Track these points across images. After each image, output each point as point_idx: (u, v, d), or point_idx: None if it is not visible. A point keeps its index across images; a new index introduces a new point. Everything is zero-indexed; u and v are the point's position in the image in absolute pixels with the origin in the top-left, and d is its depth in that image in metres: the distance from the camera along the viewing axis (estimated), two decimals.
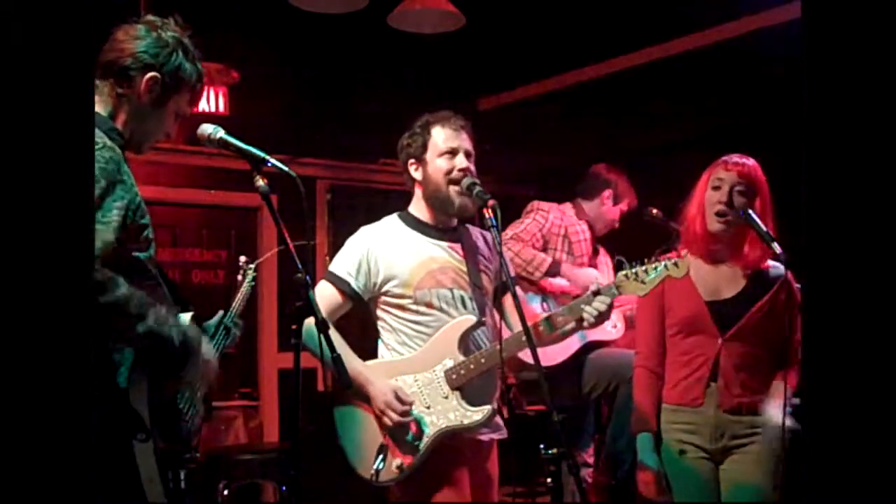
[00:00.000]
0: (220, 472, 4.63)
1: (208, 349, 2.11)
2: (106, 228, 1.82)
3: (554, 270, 3.99)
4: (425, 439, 2.60)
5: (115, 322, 1.84)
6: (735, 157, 2.78)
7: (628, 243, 2.68)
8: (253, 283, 2.64)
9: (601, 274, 4.16)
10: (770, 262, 2.81)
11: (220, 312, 2.42)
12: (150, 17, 2.09)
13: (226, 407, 5.81)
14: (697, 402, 2.71)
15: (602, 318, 2.61)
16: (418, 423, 2.61)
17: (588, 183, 4.32)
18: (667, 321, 2.81)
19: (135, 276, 1.92)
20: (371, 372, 2.66)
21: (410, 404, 2.60)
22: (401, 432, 2.61)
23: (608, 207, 4.26)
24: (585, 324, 2.62)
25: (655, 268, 2.58)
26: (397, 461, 2.60)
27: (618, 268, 2.65)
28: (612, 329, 4.02)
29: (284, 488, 4.74)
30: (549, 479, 3.97)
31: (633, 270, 2.59)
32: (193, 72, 2.10)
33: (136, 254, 1.96)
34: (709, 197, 2.76)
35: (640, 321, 2.92)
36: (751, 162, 2.78)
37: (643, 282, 2.58)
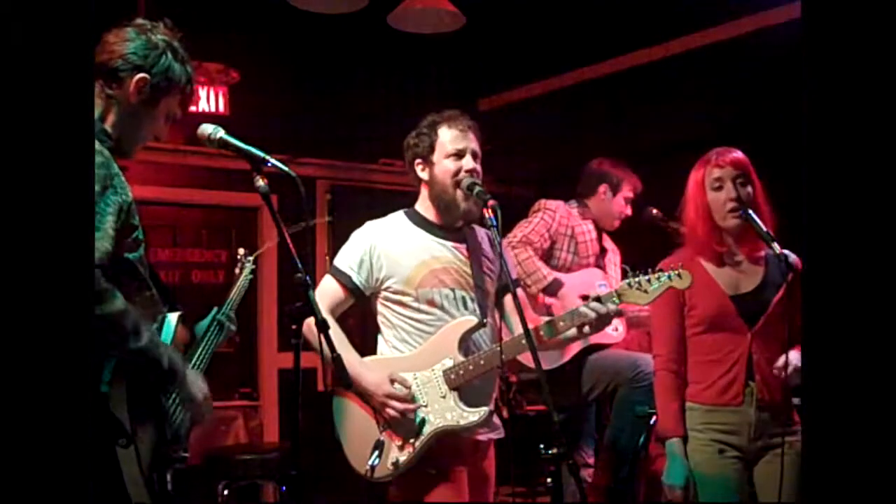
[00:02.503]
0: (220, 472, 4.63)
1: (194, 376, 2.13)
2: (103, 236, 1.83)
3: (552, 289, 3.96)
4: (422, 437, 2.60)
5: (107, 335, 1.85)
6: (722, 152, 2.76)
7: (633, 243, 2.66)
8: (251, 276, 2.64)
9: (607, 274, 4.14)
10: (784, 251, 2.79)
11: (214, 309, 2.43)
12: (139, 20, 2.10)
13: (226, 407, 5.81)
14: (737, 401, 2.66)
15: (602, 320, 2.59)
16: (418, 417, 2.60)
17: (583, 181, 4.30)
18: (688, 320, 2.75)
19: (123, 277, 1.92)
20: (365, 367, 2.66)
21: (409, 388, 2.60)
22: (397, 428, 2.61)
23: (608, 201, 4.21)
24: (585, 329, 2.61)
25: (658, 278, 2.57)
26: (393, 457, 2.60)
27: (623, 276, 2.64)
28: (613, 332, 4.01)
29: (284, 488, 4.74)
30: (549, 479, 3.96)
31: (637, 280, 2.58)
32: (183, 73, 2.11)
33: (126, 255, 1.96)
34: (714, 199, 2.72)
35: (658, 322, 2.85)
36: (738, 152, 2.76)
37: (646, 291, 2.57)
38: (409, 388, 2.61)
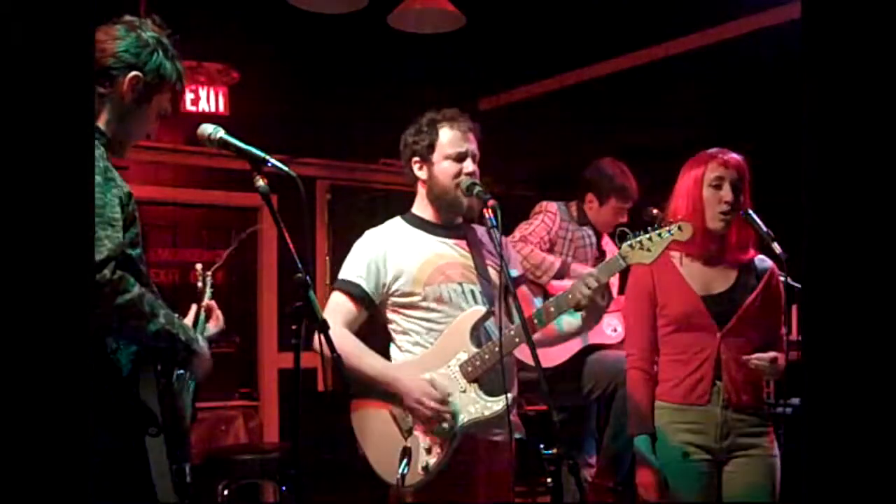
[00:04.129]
0: (220, 472, 4.62)
1: (205, 346, 2.16)
2: (114, 227, 1.84)
3: (562, 273, 3.95)
4: (449, 436, 2.58)
5: (129, 321, 1.88)
6: (727, 152, 2.75)
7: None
8: (213, 290, 2.63)
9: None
10: (756, 255, 2.80)
11: (193, 307, 2.44)
12: (128, 18, 2.09)
13: (226, 407, 5.80)
14: (703, 400, 2.68)
15: (600, 290, 2.53)
16: (453, 415, 2.58)
17: (579, 185, 4.26)
18: (660, 320, 2.77)
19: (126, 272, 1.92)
20: (397, 370, 2.65)
21: (447, 395, 2.58)
22: (431, 430, 2.58)
23: (595, 210, 4.16)
24: (583, 297, 2.53)
25: (660, 234, 2.52)
26: (423, 462, 2.57)
27: (621, 239, 2.61)
28: (612, 332, 4.00)
29: (284, 488, 4.74)
30: (549, 479, 3.95)
31: (638, 239, 2.54)
32: (174, 71, 2.12)
33: (127, 251, 1.97)
34: (709, 196, 2.71)
35: (631, 321, 2.88)
36: (738, 155, 2.76)
37: (648, 249, 2.53)
38: (447, 394, 2.58)
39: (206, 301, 2.48)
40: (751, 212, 2.68)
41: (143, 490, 1.86)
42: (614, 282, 4.22)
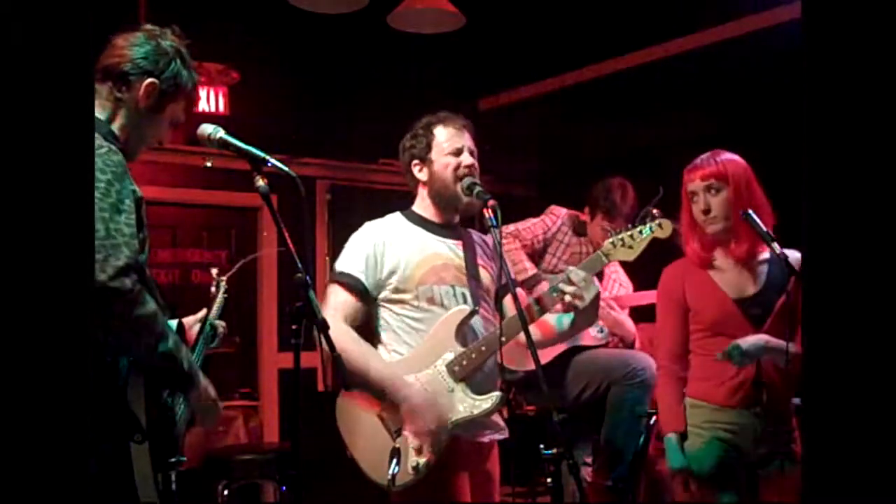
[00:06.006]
0: (220, 472, 4.63)
1: (206, 380, 2.14)
2: (132, 234, 1.85)
3: (532, 283, 3.95)
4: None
5: (141, 337, 1.88)
6: (696, 163, 2.77)
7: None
8: (226, 295, 2.64)
9: (601, 286, 4.11)
10: (786, 251, 2.80)
11: (203, 311, 2.46)
12: (148, 26, 2.13)
13: (226, 407, 5.80)
14: (744, 404, 2.67)
15: (585, 288, 2.57)
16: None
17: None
18: (694, 325, 2.78)
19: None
20: (401, 378, 2.62)
21: (448, 418, 2.58)
22: (426, 436, 2.56)
23: (588, 222, 4.15)
24: (566, 293, 2.58)
25: (640, 231, 2.59)
26: (413, 462, 2.55)
27: (605, 237, 2.68)
28: (598, 334, 4.00)
29: (284, 488, 4.74)
30: (549, 479, 3.97)
31: (620, 237, 2.62)
32: (189, 80, 2.15)
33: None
34: (694, 208, 2.77)
35: (662, 322, 2.89)
36: (719, 159, 2.75)
37: (630, 247, 2.60)
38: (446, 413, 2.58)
39: (216, 320, 2.49)
40: (750, 212, 2.68)
41: (125, 496, 1.86)
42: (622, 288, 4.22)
